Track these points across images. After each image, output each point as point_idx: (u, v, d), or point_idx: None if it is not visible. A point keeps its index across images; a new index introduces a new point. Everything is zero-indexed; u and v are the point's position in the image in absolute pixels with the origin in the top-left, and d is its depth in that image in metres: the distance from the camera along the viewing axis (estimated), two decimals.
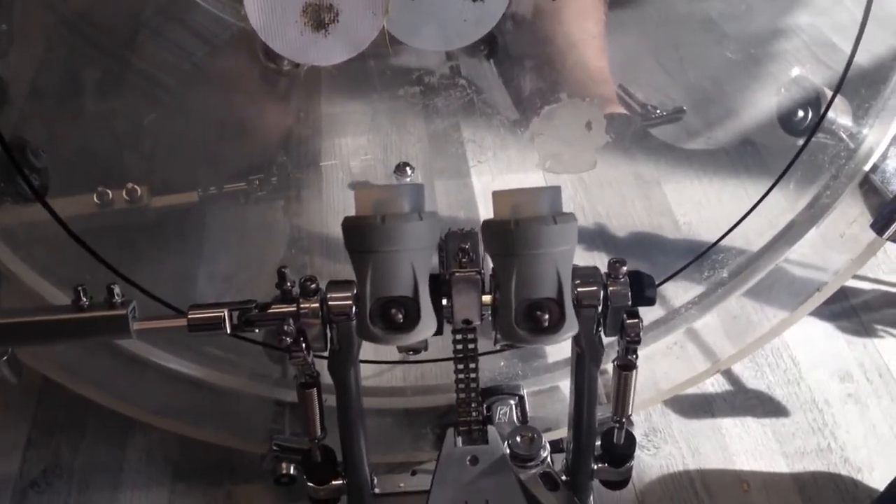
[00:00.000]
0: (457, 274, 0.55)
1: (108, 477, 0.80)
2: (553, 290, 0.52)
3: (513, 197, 0.53)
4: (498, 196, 0.54)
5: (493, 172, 0.83)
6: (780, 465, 0.83)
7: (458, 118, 0.78)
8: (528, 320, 0.52)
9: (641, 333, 0.59)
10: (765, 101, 0.87)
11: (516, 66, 0.75)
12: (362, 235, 0.52)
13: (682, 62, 0.87)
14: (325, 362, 0.60)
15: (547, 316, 0.52)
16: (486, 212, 0.96)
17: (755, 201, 0.79)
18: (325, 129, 0.86)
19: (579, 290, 0.56)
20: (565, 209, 0.54)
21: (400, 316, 0.52)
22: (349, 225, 0.53)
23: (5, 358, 0.59)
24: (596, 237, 0.98)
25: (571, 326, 0.52)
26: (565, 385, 0.80)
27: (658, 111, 0.84)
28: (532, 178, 0.84)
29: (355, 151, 0.86)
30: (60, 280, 0.67)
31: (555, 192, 0.54)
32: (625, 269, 0.57)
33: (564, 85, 0.73)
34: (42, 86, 0.74)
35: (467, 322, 0.57)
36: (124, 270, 0.70)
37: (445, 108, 0.74)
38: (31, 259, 0.66)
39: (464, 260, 0.55)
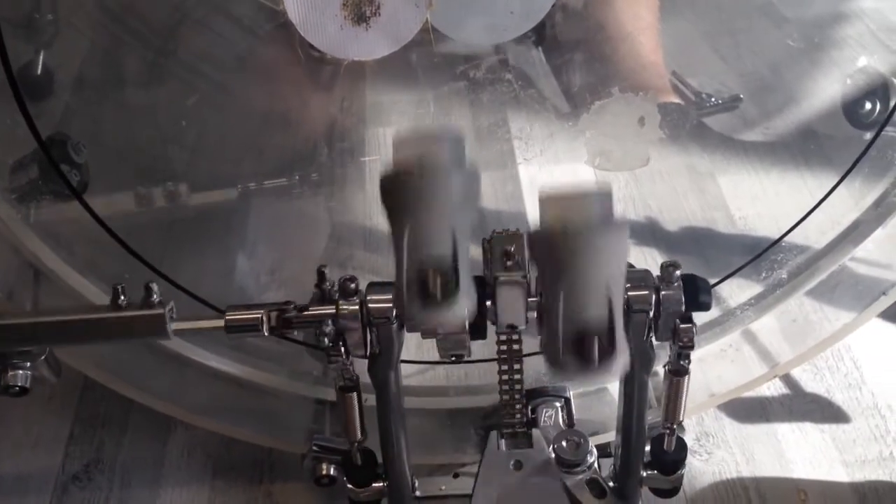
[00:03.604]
0: (501, 278, 0.53)
1: (150, 472, 0.80)
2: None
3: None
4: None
5: (540, 163, 0.80)
6: (840, 474, 0.80)
7: (506, 107, 0.76)
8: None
9: (695, 338, 0.56)
10: (827, 91, 0.83)
11: (566, 58, 0.72)
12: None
13: (738, 48, 0.84)
14: (366, 362, 0.58)
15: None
16: (532, 205, 0.95)
17: (818, 196, 0.75)
18: (369, 119, 0.85)
19: (629, 293, 0.53)
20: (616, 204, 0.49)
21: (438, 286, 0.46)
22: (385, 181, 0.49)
23: (43, 357, 0.59)
24: (647, 232, 0.95)
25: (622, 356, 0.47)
26: (613, 387, 0.78)
27: (713, 99, 0.81)
28: (581, 169, 0.82)
29: None
30: (102, 279, 0.67)
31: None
32: (678, 273, 0.55)
33: (616, 79, 0.70)
34: (85, 78, 0.74)
35: (512, 326, 0.55)
36: (166, 266, 0.69)
37: (491, 99, 0.71)
38: (73, 258, 0.65)
39: (509, 263, 0.53)
